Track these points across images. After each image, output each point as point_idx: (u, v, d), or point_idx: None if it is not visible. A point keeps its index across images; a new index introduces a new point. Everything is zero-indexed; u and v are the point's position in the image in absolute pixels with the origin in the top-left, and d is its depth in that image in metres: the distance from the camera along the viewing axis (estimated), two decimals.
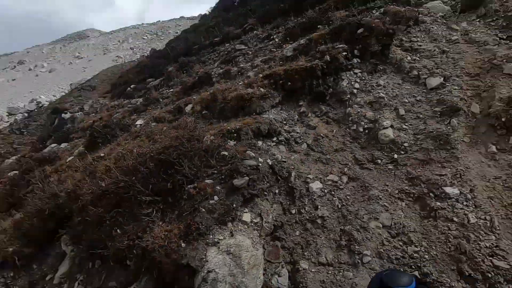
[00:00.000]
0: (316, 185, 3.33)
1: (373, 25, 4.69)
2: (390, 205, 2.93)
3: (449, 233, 2.52)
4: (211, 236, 2.74)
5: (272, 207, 3.24)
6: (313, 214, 3.10)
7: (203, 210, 2.87)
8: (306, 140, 4.07)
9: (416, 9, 5.10)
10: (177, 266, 2.58)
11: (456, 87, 3.73)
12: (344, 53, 4.64)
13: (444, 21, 4.89)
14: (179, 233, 2.72)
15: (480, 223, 2.48)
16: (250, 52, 6.98)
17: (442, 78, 3.93)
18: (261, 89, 4.57)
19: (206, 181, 3.13)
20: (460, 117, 3.42)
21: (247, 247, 2.70)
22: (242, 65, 6.14)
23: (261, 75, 4.96)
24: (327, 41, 5.04)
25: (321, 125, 4.26)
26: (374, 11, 5.74)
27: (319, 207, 3.14)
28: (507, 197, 2.63)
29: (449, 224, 2.58)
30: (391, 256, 2.57)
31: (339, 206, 3.11)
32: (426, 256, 2.47)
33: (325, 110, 4.41)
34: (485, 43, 4.16)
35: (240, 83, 5.10)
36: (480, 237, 2.39)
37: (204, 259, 2.57)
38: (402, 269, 2.35)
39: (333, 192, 3.26)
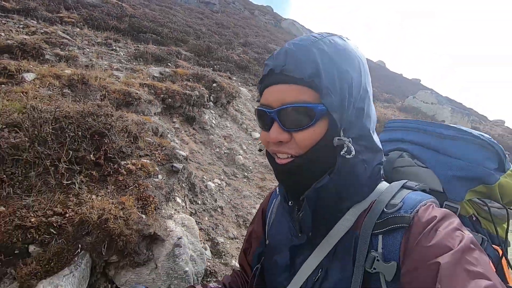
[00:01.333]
0: (212, 184, 4.16)
1: (224, 85, 6.60)
2: (258, 199, 4.45)
3: None
4: (163, 211, 2.78)
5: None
6: (214, 205, 3.89)
7: (151, 186, 2.83)
8: (183, 150, 4.73)
9: (240, 90, 7.73)
10: (139, 237, 2.40)
11: None
12: (207, 96, 6.03)
13: (250, 101, 7.83)
14: (135, 205, 2.53)
15: None
16: (88, 49, 6.27)
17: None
18: (147, 94, 4.72)
19: (143, 160, 3.03)
20: None
21: (194, 222, 3.01)
22: (93, 60, 5.49)
23: (135, 81, 5.02)
24: (191, 80, 6.20)
25: (192, 143, 5.12)
26: (211, 73, 7.76)
27: (217, 200, 3.99)
28: None
29: None
30: None
31: (229, 201, 4.16)
32: None
33: (193, 132, 5.35)
34: None
35: (111, 78, 4.77)
36: None
37: (169, 229, 2.61)
38: None
39: (221, 191, 4.25)
